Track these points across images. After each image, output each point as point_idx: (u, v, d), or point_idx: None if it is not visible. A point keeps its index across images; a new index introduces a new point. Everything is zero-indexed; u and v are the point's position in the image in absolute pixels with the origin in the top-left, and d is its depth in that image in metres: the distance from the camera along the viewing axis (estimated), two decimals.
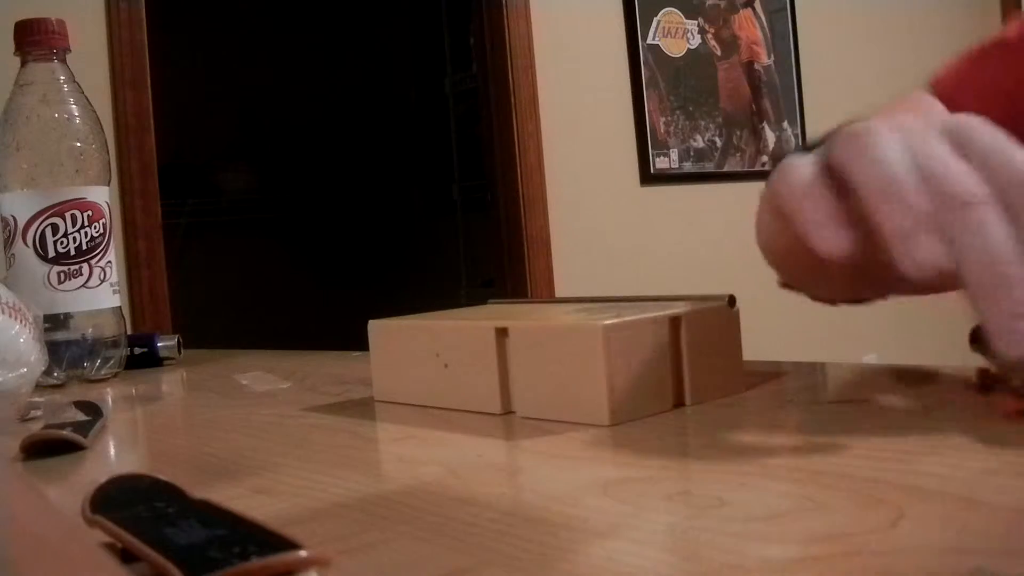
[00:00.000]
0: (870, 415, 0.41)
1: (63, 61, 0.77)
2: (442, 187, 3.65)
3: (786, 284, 0.50)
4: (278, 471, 0.38)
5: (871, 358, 3.18)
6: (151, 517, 0.26)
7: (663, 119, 3.02)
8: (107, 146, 0.79)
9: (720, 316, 0.46)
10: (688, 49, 3.10)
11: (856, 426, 0.39)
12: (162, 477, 0.31)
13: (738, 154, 3.18)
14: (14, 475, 0.36)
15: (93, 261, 0.76)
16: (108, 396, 0.68)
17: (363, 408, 0.51)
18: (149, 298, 2.19)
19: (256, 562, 0.22)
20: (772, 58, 3.32)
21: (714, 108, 3.15)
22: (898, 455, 0.33)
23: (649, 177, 2.99)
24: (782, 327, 2.79)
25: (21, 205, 0.75)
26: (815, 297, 0.50)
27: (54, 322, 0.73)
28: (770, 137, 3.28)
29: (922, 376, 0.50)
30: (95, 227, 0.76)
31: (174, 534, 0.24)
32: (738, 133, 3.20)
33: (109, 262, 0.78)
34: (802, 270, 0.44)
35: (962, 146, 0.34)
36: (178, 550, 0.23)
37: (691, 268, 2.96)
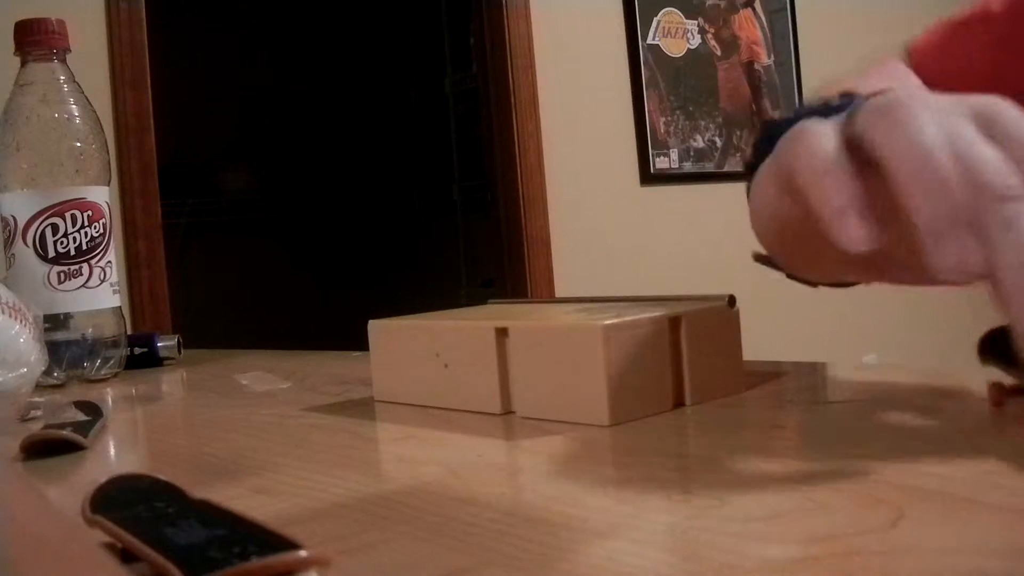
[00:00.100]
0: (870, 415, 0.41)
1: (63, 61, 0.77)
2: (442, 187, 3.65)
3: (762, 258, 0.46)
4: (278, 471, 0.38)
5: (871, 358, 3.18)
6: (151, 517, 0.26)
7: (663, 119, 3.02)
8: (107, 146, 0.79)
9: (720, 316, 0.46)
10: (688, 49, 3.10)
11: (856, 426, 0.39)
12: (162, 477, 0.31)
13: (738, 154, 3.18)
14: (14, 475, 0.36)
15: (93, 261, 0.76)
16: (108, 396, 0.68)
17: (363, 408, 0.51)
18: (149, 298, 2.19)
19: (256, 562, 0.22)
20: (772, 58, 3.32)
21: (714, 108, 3.15)
22: (898, 455, 0.33)
23: (649, 177, 2.99)
24: (782, 327, 2.79)
25: (21, 205, 0.75)
26: (797, 277, 0.46)
27: (54, 322, 0.73)
28: None
29: (922, 376, 0.50)
30: (95, 227, 0.76)
31: (174, 534, 0.24)
32: (738, 133, 3.20)
33: (109, 262, 0.78)
34: (802, 251, 0.40)
35: (989, 130, 0.31)
36: (178, 550, 0.23)
37: (691, 268, 2.96)
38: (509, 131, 2.77)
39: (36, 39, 0.76)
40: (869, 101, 0.33)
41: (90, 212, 0.76)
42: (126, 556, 0.24)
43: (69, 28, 0.78)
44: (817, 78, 3.39)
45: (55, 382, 0.73)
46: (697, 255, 2.97)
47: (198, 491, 0.29)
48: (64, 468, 0.42)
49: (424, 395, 0.49)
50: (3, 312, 0.58)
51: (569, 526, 0.27)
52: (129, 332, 0.81)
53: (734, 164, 3.16)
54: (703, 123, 3.11)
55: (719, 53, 3.18)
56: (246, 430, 0.49)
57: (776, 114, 0.57)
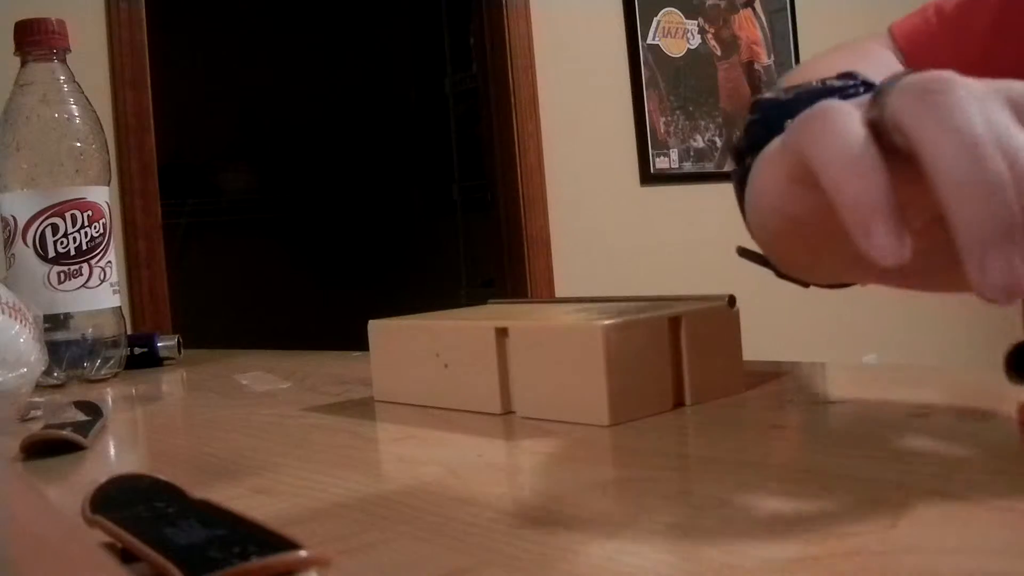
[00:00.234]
0: (870, 415, 0.41)
1: (63, 61, 0.77)
2: (442, 187, 3.65)
3: (749, 253, 0.42)
4: (278, 471, 0.38)
5: (871, 358, 3.19)
6: (151, 517, 0.26)
7: (663, 119, 3.02)
8: (107, 146, 0.79)
9: (720, 316, 0.46)
10: (688, 49, 3.10)
11: (856, 426, 0.39)
12: (162, 477, 0.31)
13: None
14: (14, 475, 0.36)
15: (93, 261, 0.76)
16: (108, 396, 0.68)
17: (363, 408, 0.51)
18: (149, 298, 2.19)
19: (256, 562, 0.22)
20: (772, 58, 3.32)
21: (714, 108, 3.15)
22: (898, 455, 0.33)
23: (649, 177, 2.99)
24: (782, 327, 2.79)
25: (21, 205, 0.75)
26: (789, 276, 0.41)
27: (54, 322, 0.73)
28: None
29: (922, 376, 0.50)
30: (95, 227, 0.76)
31: (174, 534, 0.24)
32: (738, 133, 3.20)
33: (109, 262, 0.78)
34: (808, 250, 0.35)
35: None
36: (178, 550, 0.23)
37: (691, 268, 2.96)
38: (509, 131, 2.77)
39: (36, 39, 0.76)
40: (903, 81, 0.28)
41: (90, 212, 0.76)
42: (126, 556, 0.24)
43: (69, 28, 0.78)
44: None
45: (55, 382, 0.73)
46: (697, 255, 2.96)
47: (198, 491, 0.29)
48: (64, 468, 0.42)
49: (424, 395, 0.49)
50: (3, 312, 0.58)
51: (569, 526, 0.27)
52: (129, 332, 0.81)
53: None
54: (703, 123, 3.12)
55: (719, 53, 3.18)
56: (246, 430, 0.49)
57: (769, 93, 0.50)
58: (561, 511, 0.29)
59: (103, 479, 0.30)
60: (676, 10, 3.08)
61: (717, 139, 3.14)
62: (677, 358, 0.44)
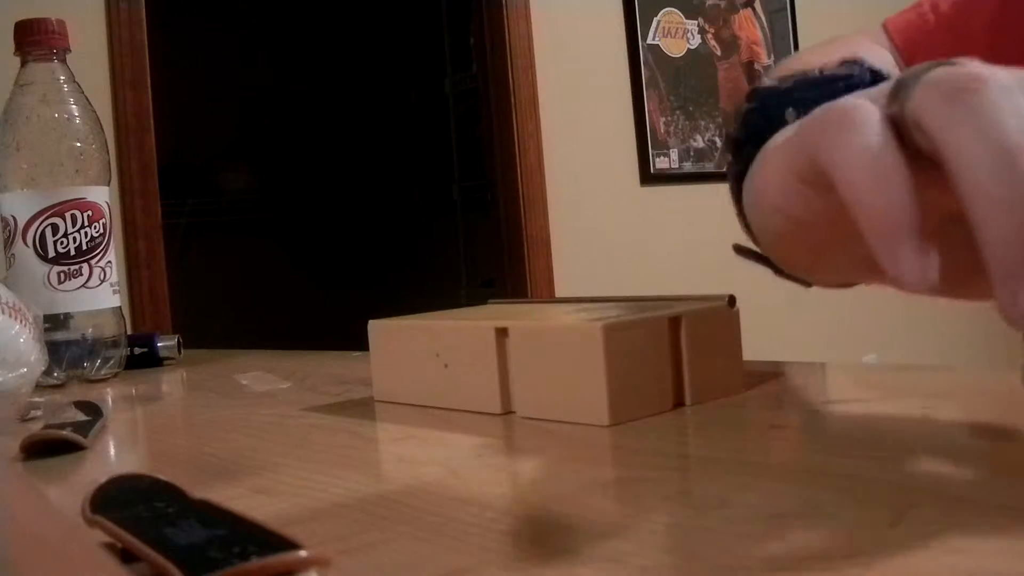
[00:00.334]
0: (870, 415, 0.41)
1: (63, 61, 0.77)
2: (442, 187, 3.65)
3: (747, 251, 0.39)
4: (278, 471, 0.38)
5: (871, 358, 3.19)
6: (151, 517, 0.26)
7: (663, 119, 3.02)
8: (107, 146, 0.79)
9: (720, 316, 0.46)
10: (688, 49, 3.10)
11: (856, 426, 0.39)
12: (162, 477, 0.31)
13: None
14: (14, 475, 0.36)
15: (93, 261, 0.76)
16: (108, 396, 0.68)
17: (363, 408, 0.51)
18: (149, 298, 2.19)
19: (256, 562, 0.22)
20: (772, 58, 3.31)
21: (714, 108, 3.15)
22: (898, 455, 0.33)
23: (649, 177, 3.00)
24: (782, 327, 2.79)
25: (21, 205, 0.75)
26: (791, 276, 0.39)
27: (54, 322, 0.73)
28: None
29: (922, 376, 0.50)
30: (95, 227, 0.76)
31: (174, 534, 0.24)
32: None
33: (109, 262, 0.78)
34: (814, 254, 0.33)
35: None
36: (178, 550, 0.23)
37: (691, 268, 2.96)
38: (509, 131, 2.77)
39: (36, 39, 0.76)
40: (928, 75, 0.25)
41: (90, 212, 0.76)
42: (126, 556, 0.24)
43: (69, 28, 0.78)
44: None
45: (55, 382, 0.73)
46: (697, 255, 2.96)
47: (198, 491, 0.29)
48: (64, 468, 0.42)
49: (424, 395, 0.49)
50: (3, 312, 0.58)
51: (569, 526, 0.27)
52: (129, 332, 0.81)
53: None
54: (703, 123, 3.12)
55: (719, 53, 3.18)
56: (246, 430, 0.49)
57: (768, 81, 0.41)
58: (561, 511, 0.29)
59: (103, 479, 0.30)
60: (676, 10, 3.08)
61: (717, 139, 3.14)
62: (677, 358, 0.44)
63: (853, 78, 0.33)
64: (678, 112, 3.06)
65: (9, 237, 0.75)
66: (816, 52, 0.55)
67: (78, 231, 0.75)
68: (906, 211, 0.24)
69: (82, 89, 0.78)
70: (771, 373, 0.51)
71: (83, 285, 0.75)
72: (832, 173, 0.26)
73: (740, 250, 0.40)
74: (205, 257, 3.61)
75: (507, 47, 2.75)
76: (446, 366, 0.48)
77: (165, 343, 0.84)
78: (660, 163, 3.01)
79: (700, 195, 3.05)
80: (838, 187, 0.26)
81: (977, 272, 0.24)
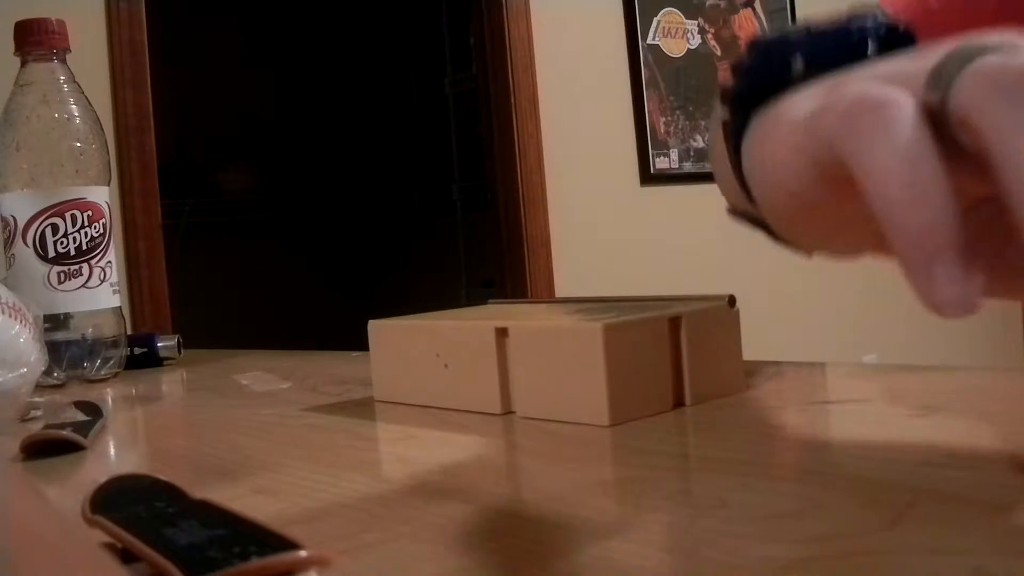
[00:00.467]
0: (870, 415, 0.41)
1: (63, 61, 0.77)
2: (442, 187, 3.65)
3: (742, 214, 0.35)
4: (278, 471, 0.38)
5: (871, 358, 3.18)
6: (151, 517, 0.26)
7: (663, 119, 3.02)
8: (107, 146, 0.79)
9: (720, 316, 0.46)
10: (688, 49, 3.10)
11: (856, 426, 0.39)
12: (162, 477, 0.31)
13: None
14: (14, 475, 0.36)
15: (93, 261, 0.76)
16: (108, 396, 0.68)
17: (363, 408, 0.51)
18: (149, 298, 2.19)
19: (256, 562, 0.22)
20: None
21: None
22: (898, 455, 0.33)
23: (649, 177, 2.99)
24: (782, 327, 2.79)
25: (21, 205, 0.75)
26: (788, 244, 0.34)
27: (54, 322, 0.73)
28: None
29: (922, 376, 0.50)
30: (95, 227, 0.76)
31: (174, 534, 0.24)
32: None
33: (109, 262, 0.78)
34: (821, 229, 0.29)
35: None
36: (178, 550, 0.23)
37: (691, 268, 2.96)
38: (509, 131, 2.77)
39: (36, 39, 0.76)
40: (976, 63, 0.22)
41: (90, 212, 0.76)
42: (126, 556, 0.24)
43: (69, 28, 0.78)
44: None
45: (55, 382, 0.73)
46: (697, 255, 2.97)
47: (198, 491, 0.29)
48: (64, 468, 0.42)
49: (424, 395, 0.49)
50: (3, 312, 0.58)
51: (569, 526, 0.27)
52: (129, 332, 0.81)
53: None
54: (703, 123, 3.11)
55: (719, 53, 3.18)
56: (246, 430, 0.49)
57: (770, 36, 0.30)
58: (561, 511, 0.29)
59: (103, 479, 0.30)
60: (676, 10, 3.08)
61: None
62: (677, 358, 0.44)
63: (866, 30, 0.30)
64: (678, 112, 3.06)
65: (9, 237, 0.75)
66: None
67: (78, 231, 0.75)
68: (947, 229, 0.21)
69: (82, 89, 0.78)
70: (771, 373, 0.51)
71: (83, 285, 0.75)
72: (859, 176, 0.23)
73: (735, 212, 0.36)
74: (205, 257, 3.61)
75: (507, 47, 2.75)
76: (446, 366, 0.48)
77: (165, 343, 0.84)
78: (660, 163, 3.01)
79: (700, 195, 3.05)
80: (866, 195, 0.22)
81: (1006, 271, 0.22)
